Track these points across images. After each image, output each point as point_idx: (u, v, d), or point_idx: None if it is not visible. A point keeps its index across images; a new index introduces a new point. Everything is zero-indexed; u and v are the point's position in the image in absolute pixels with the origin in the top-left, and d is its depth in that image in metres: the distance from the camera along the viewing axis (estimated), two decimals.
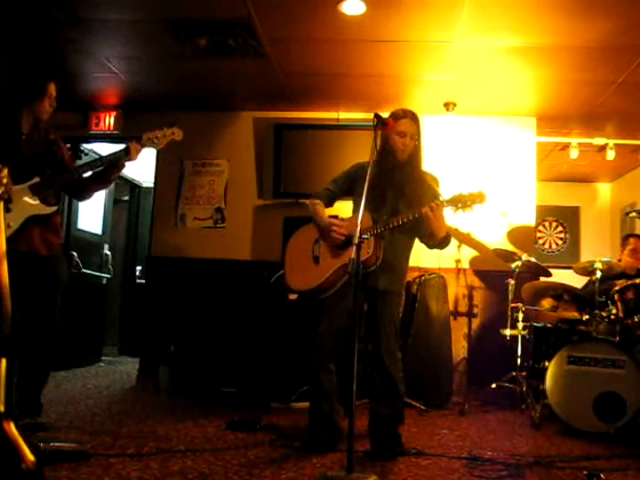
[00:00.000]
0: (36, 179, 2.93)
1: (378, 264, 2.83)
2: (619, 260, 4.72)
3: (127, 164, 3.17)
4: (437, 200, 2.78)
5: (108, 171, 3.15)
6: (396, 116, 2.92)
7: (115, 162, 3.10)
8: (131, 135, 5.50)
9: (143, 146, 3.12)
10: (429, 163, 3.21)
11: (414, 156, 2.99)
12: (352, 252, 2.45)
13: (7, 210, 2.77)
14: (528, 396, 4.07)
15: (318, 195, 3.14)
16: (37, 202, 2.94)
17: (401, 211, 2.87)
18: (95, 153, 5.89)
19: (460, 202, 2.76)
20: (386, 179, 2.92)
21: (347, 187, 3.12)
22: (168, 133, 3.16)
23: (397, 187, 2.95)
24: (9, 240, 2.76)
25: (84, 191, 3.28)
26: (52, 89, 3.07)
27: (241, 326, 4.96)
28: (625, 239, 4.93)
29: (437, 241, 2.91)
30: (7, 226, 2.76)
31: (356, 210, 3.04)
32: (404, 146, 2.92)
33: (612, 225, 7.55)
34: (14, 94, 3.03)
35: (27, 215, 2.90)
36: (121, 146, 3.14)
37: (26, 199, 2.90)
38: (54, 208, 3.04)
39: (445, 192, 2.95)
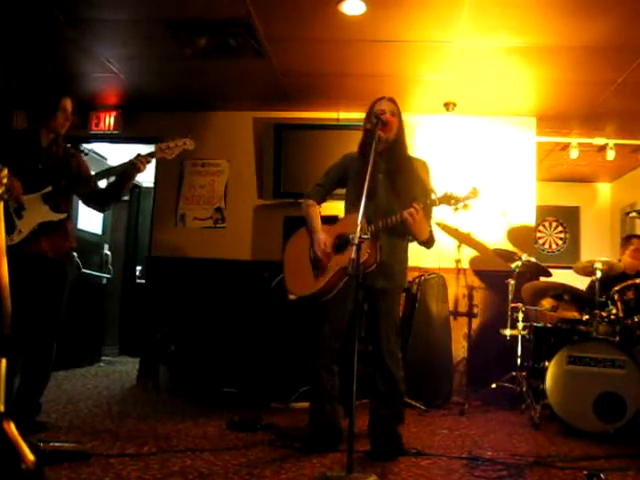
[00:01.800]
0: (49, 188, 3.07)
1: (376, 264, 2.83)
2: (619, 260, 4.71)
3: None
4: (416, 204, 2.74)
5: (120, 183, 3.27)
6: (373, 102, 3.00)
7: (124, 175, 3.21)
8: (131, 135, 5.58)
9: (155, 157, 3.20)
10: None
11: (399, 141, 2.98)
12: (351, 253, 2.44)
13: (19, 217, 2.98)
14: (528, 396, 4.06)
15: (311, 194, 3.14)
16: (47, 209, 3.07)
17: (393, 207, 2.85)
18: (95, 153, 5.89)
19: (453, 200, 2.76)
20: (376, 170, 2.85)
21: (338, 179, 3.12)
22: (180, 143, 3.23)
23: (387, 179, 2.93)
24: (19, 244, 2.94)
25: (102, 202, 3.42)
26: (67, 104, 3.19)
27: (241, 326, 4.95)
28: (627, 239, 4.90)
29: (419, 242, 2.94)
30: (19, 231, 2.97)
31: (348, 207, 3.04)
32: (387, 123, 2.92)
33: (612, 225, 7.55)
34: (32, 112, 3.23)
35: (38, 222, 3.04)
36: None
37: (38, 207, 3.04)
38: (63, 215, 3.17)
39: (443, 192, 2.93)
